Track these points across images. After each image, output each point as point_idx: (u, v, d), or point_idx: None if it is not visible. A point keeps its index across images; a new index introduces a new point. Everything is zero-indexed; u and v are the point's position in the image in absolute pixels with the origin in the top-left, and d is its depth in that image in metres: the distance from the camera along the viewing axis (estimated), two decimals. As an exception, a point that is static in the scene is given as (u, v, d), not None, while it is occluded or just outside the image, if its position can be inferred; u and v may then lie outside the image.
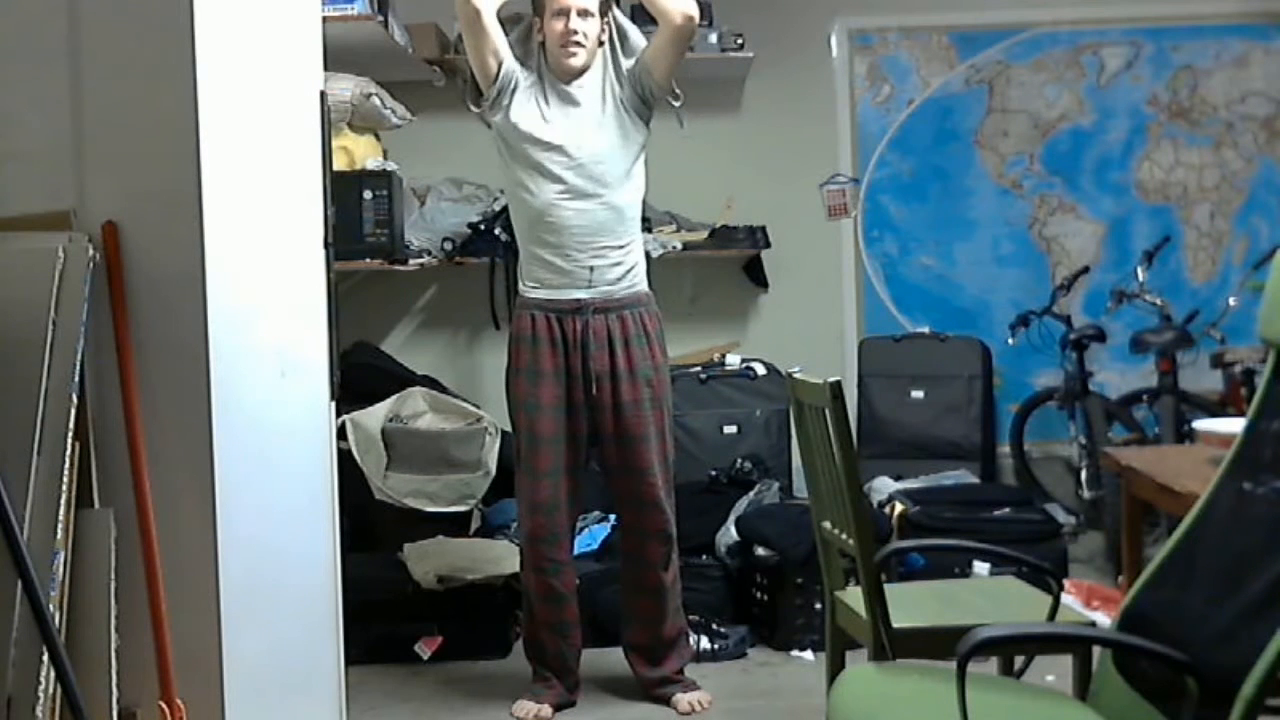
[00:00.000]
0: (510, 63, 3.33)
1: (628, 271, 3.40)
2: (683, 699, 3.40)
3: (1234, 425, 2.02)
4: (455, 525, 4.29)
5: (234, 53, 2.47)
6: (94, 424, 2.29)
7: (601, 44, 3.39)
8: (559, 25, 3.30)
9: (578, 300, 3.34)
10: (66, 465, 2.12)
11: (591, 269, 3.33)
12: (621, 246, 3.38)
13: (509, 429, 4.58)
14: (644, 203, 5.16)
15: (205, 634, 2.36)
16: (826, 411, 2.64)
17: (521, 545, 3.46)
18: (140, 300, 2.35)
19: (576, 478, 3.42)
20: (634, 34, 3.45)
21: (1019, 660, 2.73)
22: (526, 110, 3.34)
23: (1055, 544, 4.20)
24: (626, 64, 3.40)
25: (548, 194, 3.32)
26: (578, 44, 3.30)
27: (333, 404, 2.89)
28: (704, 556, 4.13)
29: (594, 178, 3.32)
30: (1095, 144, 5.45)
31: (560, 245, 3.33)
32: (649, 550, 3.41)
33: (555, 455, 3.34)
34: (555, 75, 3.37)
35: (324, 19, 2.97)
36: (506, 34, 3.35)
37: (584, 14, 3.30)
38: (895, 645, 2.54)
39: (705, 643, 3.80)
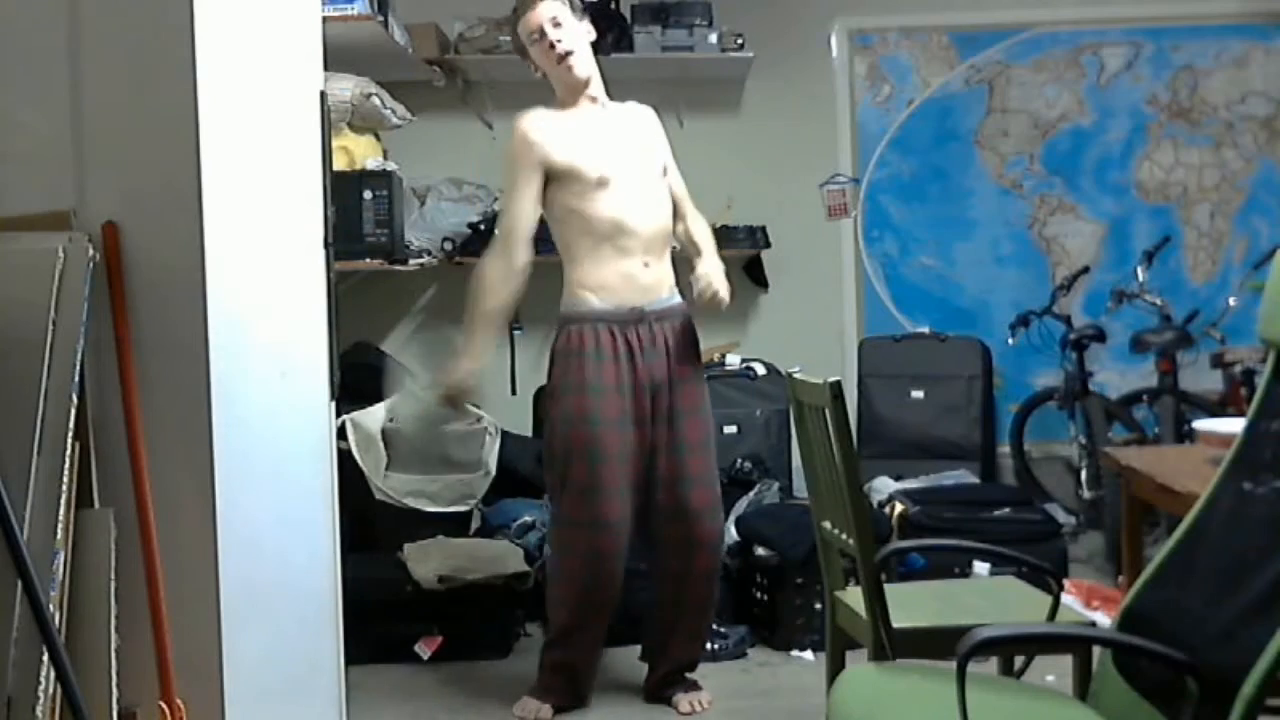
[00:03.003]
0: (543, 156, 3.27)
1: (673, 277, 3.40)
2: (683, 699, 3.40)
3: (1234, 425, 2.03)
4: (455, 525, 4.29)
5: (234, 53, 2.47)
6: (94, 424, 2.29)
7: (595, 45, 3.36)
8: (542, 48, 3.27)
9: (640, 310, 3.28)
10: (66, 465, 2.11)
11: (647, 265, 3.30)
12: (670, 249, 3.42)
13: (509, 429, 4.59)
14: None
15: (205, 634, 2.36)
16: (826, 411, 2.64)
17: (576, 564, 3.30)
18: (140, 300, 2.34)
19: (639, 494, 3.32)
20: None
21: (1019, 660, 2.73)
22: (569, 155, 3.26)
23: (1055, 544, 4.20)
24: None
25: (615, 204, 3.26)
26: (568, 52, 3.25)
27: (333, 404, 2.89)
28: (704, 556, 4.13)
29: (648, 180, 3.33)
30: (1095, 144, 5.45)
31: (628, 251, 3.27)
32: (699, 561, 3.34)
33: (623, 471, 3.25)
34: (569, 95, 3.32)
35: (324, 19, 2.97)
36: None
37: (556, 23, 3.26)
38: (895, 645, 2.54)
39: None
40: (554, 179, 3.27)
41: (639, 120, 3.45)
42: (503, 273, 3.26)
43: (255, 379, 2.55)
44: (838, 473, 2.66)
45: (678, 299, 3.40)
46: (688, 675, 3.49)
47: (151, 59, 2.35)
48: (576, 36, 3.29)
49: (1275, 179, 5.45)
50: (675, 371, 3.31)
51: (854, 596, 2.76)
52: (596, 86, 3.35)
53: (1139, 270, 5.16)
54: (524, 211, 3.26)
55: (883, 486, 4.58)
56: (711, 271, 3.36)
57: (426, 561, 3.93)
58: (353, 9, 4.07)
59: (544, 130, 3.27)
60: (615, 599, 3.36)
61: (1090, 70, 5.44)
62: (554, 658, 3.42)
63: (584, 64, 3.29)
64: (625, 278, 3.27)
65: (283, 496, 2.67)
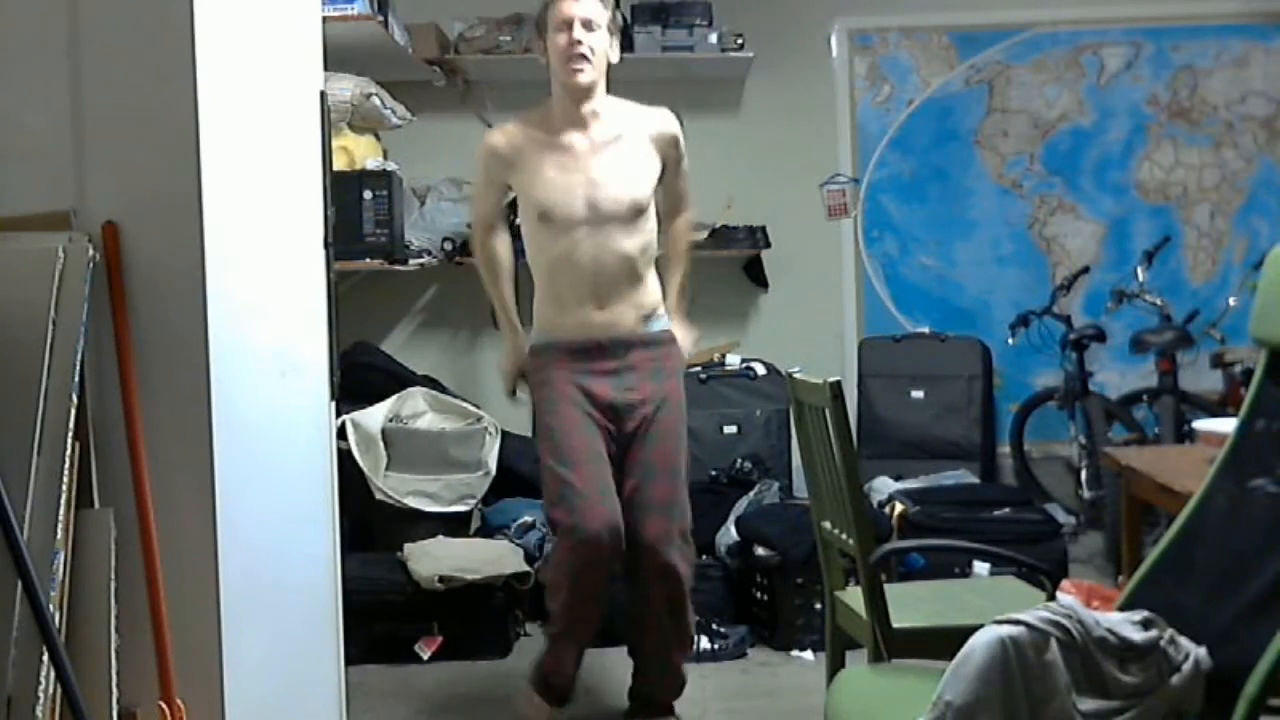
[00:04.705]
0: (504, 175, 3.22)
1: (650, 313, 3.20)
2: None
3: (1233, 425, 2.03)
4: (455, 525, 4.30)
5: (234, 53, 2.47)
6: (94, 424, 2.29)
7: (611, 63, 3.16)
8: (562, 40, 3.06)
9: (596, 341, 3.15)
10: (66, 465, 2.11)
11: (606, 304, 3.12)
12: (640, 284, 3.17)
13: (509, 429, 4.59)
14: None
15: (205, 634, 2.36)
16: (826, 411, 2.64)
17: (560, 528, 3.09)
18: (140, 300, 2.34)
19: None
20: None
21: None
22: (528, 180, 3.15)
23: (1055, 544, 4.20)
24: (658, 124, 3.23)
25: (565, 232, 3.10)
26: (583, 57, 3.04)
27: (333, 404, 2.89)
28: (704, 556, 4.13)
29: (612, 208, 3.09)
30: (1095, 144, 5.45)
31: (576, 286, 3.12)
32: (657, 591, 3.17)
33: (589, 438, 3.11)
34: (567, 96, 3.11)
35: (324, 19, 2.97)
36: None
37: (588, 25, 3.06)
38: (895, 645, 2.55)
39: (705, 643, 3.80)
40: (517, 190, 3.24)
41: (631, 144, 3.16)
42: (489, 252, 3.39)
43: (255, 379, 2.54)
44: (838, 473, 2.66)
45: (654, 328, 3.22)
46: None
47: (151, 59, 2.34)
48: (599, 46, 3.09)
49: (1275, 179, 5.45)
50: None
51: (854, 596, 2.76)
52: (596, 104, 3.14)
53: (1139, 270, 5.17)
54: (484, 210, 3.36)
55: (883, 486, 4.58)
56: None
57: (426, 561, 3.93)
58: (353, 9, 4.07)
59: (511, 147, 3.18)
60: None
61: (1090, 70, 5.44)
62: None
63: (591, 73, 3.08)
64: (578, 316, 3.16)
65: (283, 496, 2.67)
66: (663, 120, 3.25)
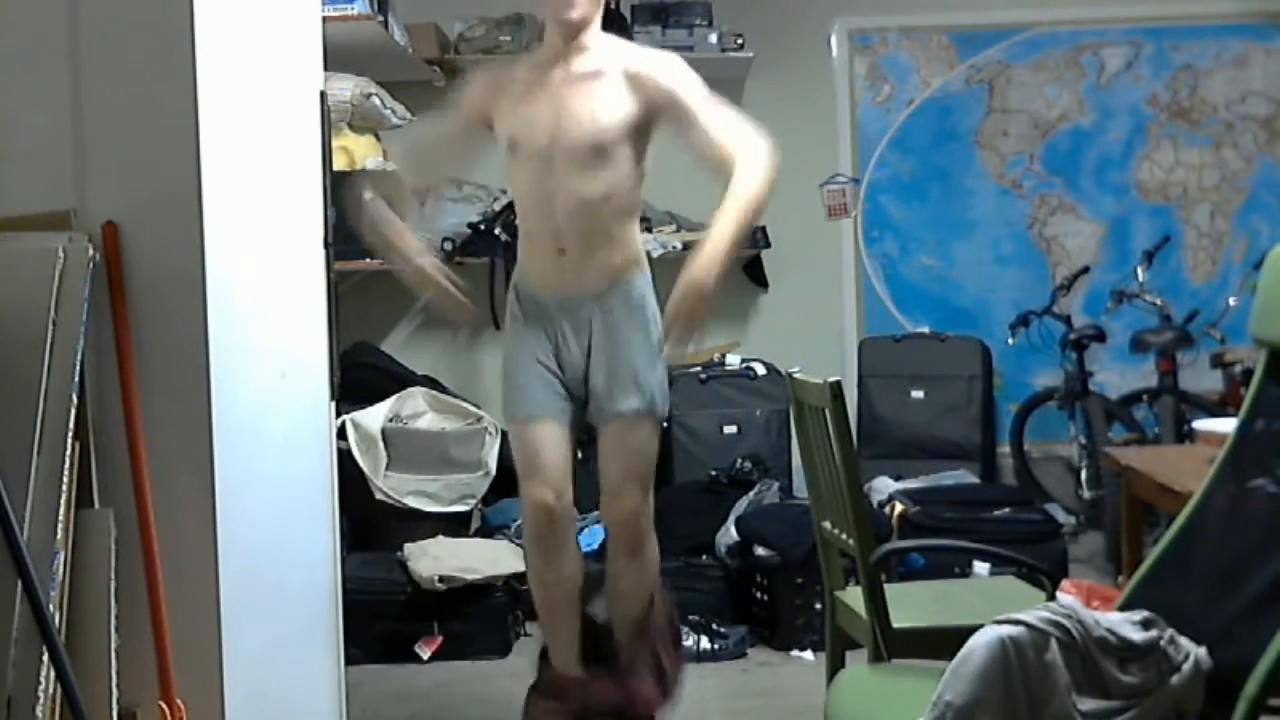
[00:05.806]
0: (486, 101, 3.01)
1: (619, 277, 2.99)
2: None
3: (1234, 425, 2.03)
4: (455, 525, 4.30)
5: (234, 53, 2.47)
6: (94, 424, 2.29)
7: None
8: None
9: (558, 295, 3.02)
10: (66, 465, 2.11)
11: (568, 251, 2.93)
12: (608, 240, 2.95)
13: (509, 429, 4.59)
14: (644, 202, 5.12)
15: (205, 634, 2.36)
16: (826, 411, 2.64)
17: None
18: (140, 300, 2.34)
19: None
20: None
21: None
22: (500, 111, 2.98)
23: (1055, 544, 4.20)
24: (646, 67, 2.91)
25: (529, 164, 2.92)
26: None
27: (333, 404, 2.89)
28: (704, 556, 4.14)
29: (570, 143, 2.87)
30: (1095, 144, 5.45)
31: (542, 224, 2.95)
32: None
33: None
34: (556, 32, 2.90)
35: (324, 19, 2.96)
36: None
37: None
38: (895, 645, 2.55)
39: (705, 643, 3.80)
40: (496, 123, 3.01)
41: (608, 81, 2.88)
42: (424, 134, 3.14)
43: (255, 379, 2.54)
44: (838, 473, 2.66)
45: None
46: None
47: (151, 59, 2.35)
48: None
49: (1275, 179, 5.45)
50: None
51: (854, 596, 2.76)
52: (586, 40, 2.90)
53: (1139, 270, 5.17)
54: (443, 124, 3.17)
55: (883, 486, 4.58)
56: (679, 294, 2.75)
57: (426, 561, 3.93)
58: (353, 9, 4.07)
59: (496, 76, 3.03)
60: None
61: (1090, 70, 5.44)
62: None
63: (583, 8, 2.85)
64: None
65: (283, 496, 2.67)
66: (651, 61, 2.91)
